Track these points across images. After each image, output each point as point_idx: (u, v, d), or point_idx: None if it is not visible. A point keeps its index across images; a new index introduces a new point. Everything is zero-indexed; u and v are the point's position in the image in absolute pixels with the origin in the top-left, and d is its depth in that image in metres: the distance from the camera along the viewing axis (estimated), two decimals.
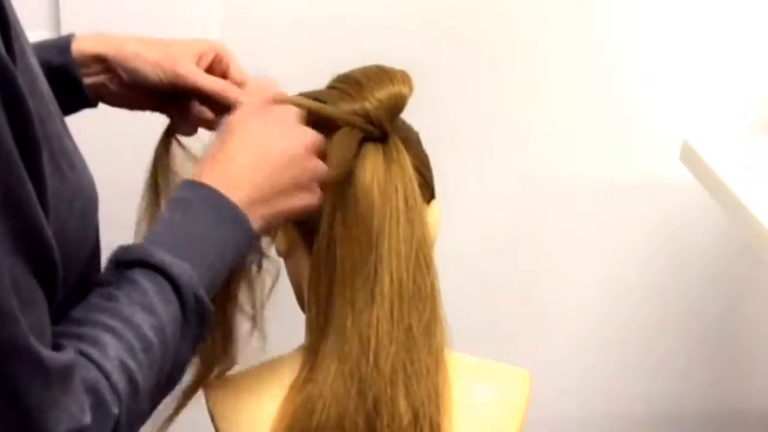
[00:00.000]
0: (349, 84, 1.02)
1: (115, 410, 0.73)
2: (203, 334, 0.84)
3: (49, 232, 0.71)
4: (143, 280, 0.80)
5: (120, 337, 0.76)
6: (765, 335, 1.86)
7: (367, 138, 1.00)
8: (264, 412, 1.00)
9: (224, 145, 0.91)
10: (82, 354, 0.74)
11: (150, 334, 0.77)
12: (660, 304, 1.82)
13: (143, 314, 0.78)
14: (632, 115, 1.69)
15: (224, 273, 0.87)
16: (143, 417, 0.79)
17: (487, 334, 1.57)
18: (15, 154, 0.67)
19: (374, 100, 1.00)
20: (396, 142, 1.01)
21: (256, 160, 0.90)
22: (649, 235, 1.77)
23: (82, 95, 1.02)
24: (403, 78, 1.03)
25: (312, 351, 1.00)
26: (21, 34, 0.76)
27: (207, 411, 1.05)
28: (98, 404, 0.73)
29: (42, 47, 0.99)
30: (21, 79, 0.68)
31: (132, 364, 0.75)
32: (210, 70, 1.02)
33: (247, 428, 1.01)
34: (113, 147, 1.41)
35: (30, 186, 0.68)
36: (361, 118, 0.99)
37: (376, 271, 0.98)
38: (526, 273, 1.77)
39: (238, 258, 0.88)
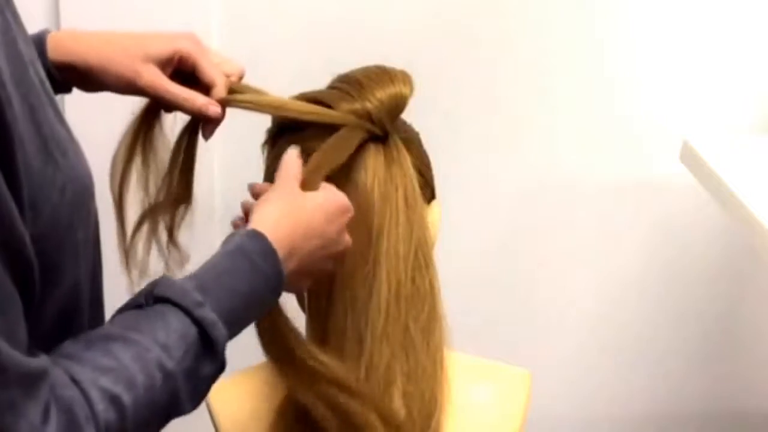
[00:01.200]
0: (350, 84, 1.02)
1: None
2: (209, 385, 0.83)
3: (20, 226, 0.69)
4: (174, 321, 0.78)
5: (123, 369, 0.74)
6: (765, 335, 1.86)
7: (367, 138, 1.00)
8: (264, 411, 1.00)
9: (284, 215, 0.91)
10: (70, 375, 0.72)
11: (157, 372, 0.75)
12: (660, 304, 1.82)
13: (159, 352, 0.76)
14: (632, 115, 1.69)
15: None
16: None
17: (487, 334, 1.57)
18: None
19: (375, 100, 1.00)
20: (397, 142, 1.01)
21: (304, 229, 0.91)
22: (649, 235, 1.77)
23: (53, 83, 1.01)
24: (404, 78, 1.03)
25: None
26: (14, 27, 0.76)
27: (206, 411, 1.05)
28: (69, 424, 0.70)
29: None
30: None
31: (126, 398, 0.73)
32: (178, 71, 1.02)
33: (248, 427, 1.01)
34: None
35: None
36: (362, 118, 0.99)
37: (374, 271, 0.98)
38: (526, 273, 1.77)
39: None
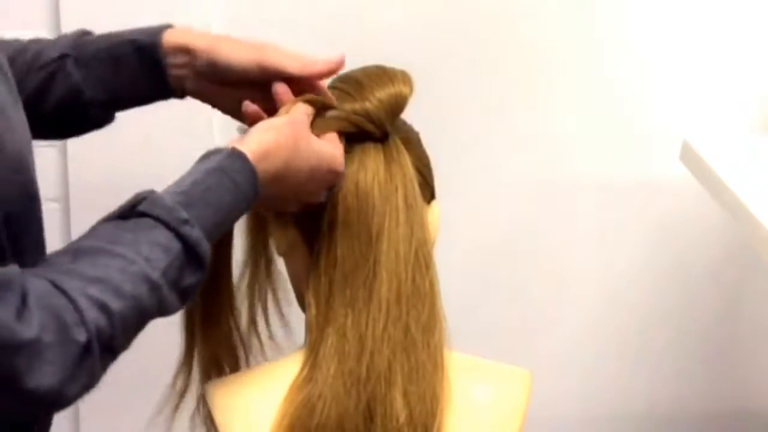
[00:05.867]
0: (349, 84, 1.02)
1: (81, 338, 0.75)
2: (198, 284, 0.86)
3: None
4: (159, 236, 0.82)
5: (110, 280, 0.78)
6: (765, 335, 1.86)
7: (367, 138, 1.00)
8: (264, 412, 1.00)
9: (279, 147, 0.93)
10: (55, 285, 0.76)
11: (142, 284, 0.79)
12: (660, 303, 1.82)
13: (143, 264, 0.80)
14: (632, 115, 1.69)
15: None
16: (117, 354, 0.81)
17: (487, 334, 1.57)
18: None
19: (375, 100, 1.00)
20: (396, 142, 1.01)
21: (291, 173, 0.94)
22: (649, 234, 1.77)
23: (164, 79, 1.04)
24: (404, 78, 1.03)
25: (312, 351, 1.01)
26: None
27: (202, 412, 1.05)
28: (59, 328, 0.74)
29: (134, 30, 1.06)
30: None
31: (114, 306, 0.77)
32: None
33: (248, 428, 1.01)
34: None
35: None
36: (362, 118, 0.99)
37: (374, 271, 0.98)
38: (526, 273, 1.77)
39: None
